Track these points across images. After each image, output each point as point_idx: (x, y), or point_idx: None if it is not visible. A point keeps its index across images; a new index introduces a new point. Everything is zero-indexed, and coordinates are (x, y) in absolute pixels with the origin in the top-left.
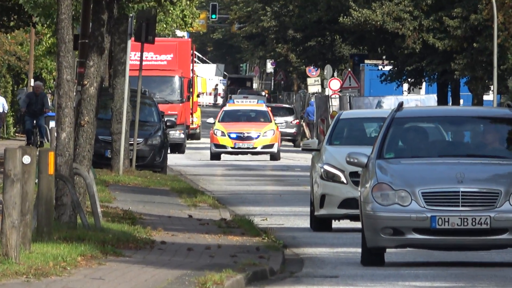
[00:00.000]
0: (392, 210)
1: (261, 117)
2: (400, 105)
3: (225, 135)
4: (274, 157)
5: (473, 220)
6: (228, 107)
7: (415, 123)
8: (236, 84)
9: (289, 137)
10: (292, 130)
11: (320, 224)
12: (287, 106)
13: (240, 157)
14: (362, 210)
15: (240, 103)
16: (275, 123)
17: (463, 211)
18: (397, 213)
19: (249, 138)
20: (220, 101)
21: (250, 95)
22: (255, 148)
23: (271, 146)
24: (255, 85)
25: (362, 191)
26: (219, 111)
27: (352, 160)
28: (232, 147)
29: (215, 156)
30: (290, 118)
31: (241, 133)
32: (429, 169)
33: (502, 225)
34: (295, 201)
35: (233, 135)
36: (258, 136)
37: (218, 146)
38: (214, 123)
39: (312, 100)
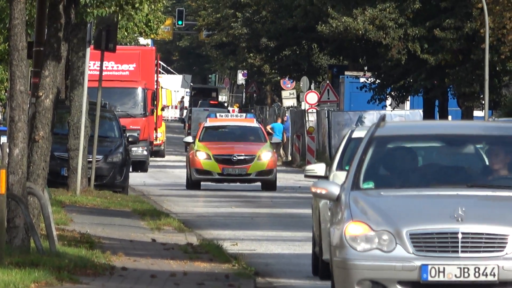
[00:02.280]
0: (371, 258)
1: (252, 135)
2: (382, 118)
3: (210, 158)
4: (271, 185)
5: (476, 270)
6: (209, 122)
7: (402, 143)
8: (201, 95)
9: None
10: None
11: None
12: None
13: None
14: (332, 257)
15: (224, 118)
16: (271, 143)
17: (463, 258)
18: (378, 261)
19: (240, 162)
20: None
21: (212, 108)
22: (249, 174)
23: (268, 172)
24: (225, 98)
25: (332, 232)
26: (182, 125)
27: (318, 191)
28: (219, 173)
29: (195, 184)
30: None
31: (230, 155)
32: (419, 203)
33: None
34: (268, 225)
35: (220, 158)
36: (252, 159)
37: (200, 171)
38: (194, 142)
39: (287, 115)
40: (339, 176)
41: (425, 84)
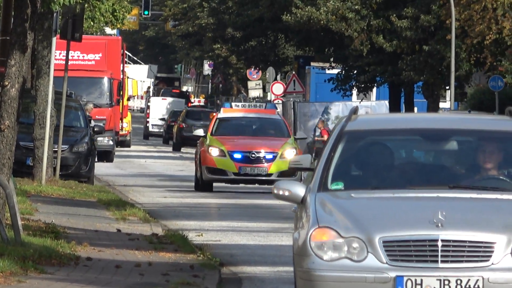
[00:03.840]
0: (340, 268)
1: (273, 129)
2: (354, 111)
3: (224, 155)
4: None
5: (458, 282)
6: (223, 113)
7: (375, 139)
8: (164, 84)
9: None
10: None
11: None
12: (208, 110)
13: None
14: (296, 267)
15: (241, 108)
16: (295, 138)
17: (443, 269)
18: (347, 272)
19: (260, 160)
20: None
21: (175, 98)
22: (270, 175)
23: (292, 173)
24: (190, 88)
25: (296, 238)
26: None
27: (281, 192)
28: (235, 173)
29: (206, 185)
30: None
31: (249, 152)
32: (394, 207)
33: None
34: (233, 216)
35: (237, 156)
36: (274, 157)
37: (213, 170)
38: (205, 136)
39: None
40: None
41: (385, 71)
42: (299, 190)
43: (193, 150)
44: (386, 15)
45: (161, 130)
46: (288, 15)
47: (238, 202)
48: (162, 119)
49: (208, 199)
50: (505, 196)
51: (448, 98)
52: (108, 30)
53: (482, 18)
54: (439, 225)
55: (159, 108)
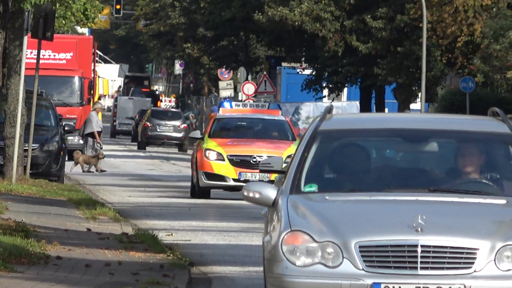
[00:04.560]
0: (313, 274)
1: (276, 131)
2: (329, 110)
3: (223, 159)
4: None
5: None
6: (222, 113)
7: (351, 139)
8: (134, 83)
9: (177, 142)
10: (180, 135)
11: None
12: (174, 110)
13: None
14: (267, 273)
15: (242, 108)
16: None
17: (422, 276)
18: (321, 278)
19: None
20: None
21: (144, 97)
22: (273, 182)
23: None
24: (161, 88)
25: (267, 242)
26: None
27: (251, 195)
28: (234, 179)
29: (203, 192)
30: (177, 123)
31: (249, 156)
32: (371, 210)
33: None
34: (203, 215)
35: (237, 160)
36: None
37: (211, 176)
38: (202, 138)
39: (215, 106)
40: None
41: (358, 73)
42: (270, 192)
43: (159, 149)
44: (360, 16)
45: (129, 129)
46: (260, 14)
47: (208, 202)
48: (129, 118)
49: (179, 199)
50: (488, 200)
51: (419, 99)
52: (79, 29)
53: (454, 19)
54: (419, 229)
55: (126, 107)
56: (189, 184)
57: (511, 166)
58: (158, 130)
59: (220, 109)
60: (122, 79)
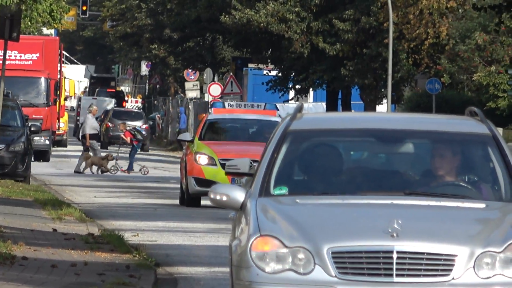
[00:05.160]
0: (283, 281)
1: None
2: (299, 109)
3: (215, 164)
4: None
5: None
6: (214, 114)
7: (323, 139)
8: (100, 84)
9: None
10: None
11: None
12: (136, 110)
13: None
14: (234, 279)
15: (235, 109)
16: None
17: (398, 283)
18: (291, 285)
19: None
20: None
21: (107, 98)
22: None
23: None
24: (128, 89)
25: (235, 248)
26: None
27: (218, 197)
28: None
29: (193, 200)
30: (139, 123)
31: None
32: (344, 214)
33: None
34: (169, 216)
35: None
36: None
37: (201, 182)
38: (192, 140)
39: (182, 107)
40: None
41: (326, 75)
42: (238, 195)
43: (122, 149)
44: (327, 18)
45: None
46: (227, 16)
47: (174, 202)
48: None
49: (145, 199)
50: (466, 204)
51: (385, 100)
52: (45, 30)
53: (419, 21)
54: (394, 235)
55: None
56: (155, 185)
57: (490, 168)
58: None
59: (212, 109)
60: (88, 79)
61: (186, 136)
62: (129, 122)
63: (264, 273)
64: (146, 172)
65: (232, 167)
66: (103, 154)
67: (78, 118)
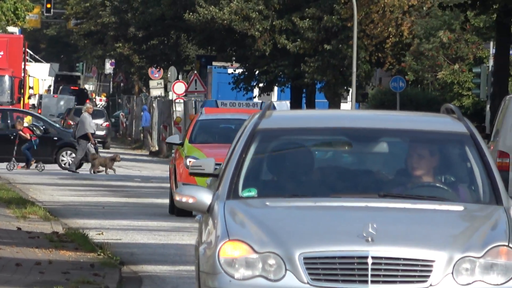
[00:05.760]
0: (254, 287)
1: None
2: (268, 107)
3: None
4: None
5: None
6: (206, 114)
7: (293, 138)
8: (65, 82)
9: (99, 139)
10: (103, 133)
11: None
12: (97, 109)
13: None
14: (202, 286)
15: (229, 108)
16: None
17: None
18: None
19: None
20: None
21: (69, 96)
22: None
23: None
24: (92, 87)
25: (202, 253)
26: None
27: (184, 199)
28: None
29: (183, 210)
30: (100, 121)
31: None
32: (317, 218)
33: None
34: (134, 214)
35: None
36: None
37: None
38: (182, 143)
39: (145, 105)
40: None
41: (289, 73)
42: (205, 197)
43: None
44: (289, 16)
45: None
46: (191, 14)
47: (138, 201)
48: (52, 115)
49: (109, 197)
50: (444, 207)
51: (349, 98)
52: (9, 28)
53: (381, 19)
54: (369, 239)
55: (50, 105)
56: (119, 183)
57: (467, 169)
58: None
59: (203, 109)
60: (53, 78)
61: (175, 138)
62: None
63: (233, 280)
64: (42, 169)
65: (196, 167)
66: (110, 155)
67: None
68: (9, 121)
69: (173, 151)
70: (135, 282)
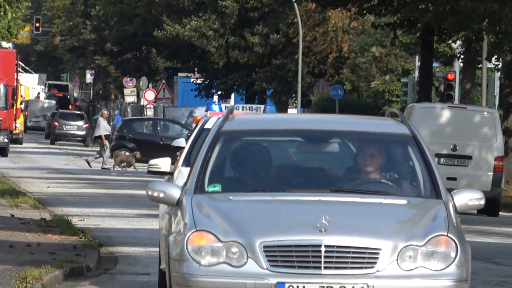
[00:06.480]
0: (218, 273)
1: None
2: (231, 110)
3: None
4: None
5: None
6: (210, 118)
7: (253, 139)
8: (56, 89)
9: (80, 138)
10: (83, 133)
11: None
12: (78, 112)
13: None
14: (171, 272)
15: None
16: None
17: (326, 275)
18: (225, 277)
19: None
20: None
21: (52, 101)
22: None
23: None
24: (76, 94)
25: (172, 242)
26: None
27: (155, 194)
28: None
29: None
30: (81, 123)
31: None
32: (275, 210)
33: None
34: (111, 204)
35: None
36: None
37: None
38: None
39: (118, 109)
40: (185, 173)
41: (243, 82)
42: (175, 191)
43: (71, 146)
44: (241, 32)
45: (38, 125)
46: (159, 31)
47: (115, 192)
48: (36, 116)
49: (90, 189)
50: (389, 201)
51: (294, 104)
52: (4, 43)
53: (324, 39)
54: (323, 230)
55: (35, 109)
56: (96, 176)
57: (410, 167)
58: (64, 128)
59: (208, 112)
60: (42, 86)
61: (181, 142)
62: (71, 122)
63: (200, 266)
64: None
65: (154, 166)
66: (130, 152)
67: (26, 117)
68: None
69: (177, 153)
70: (112, 261)
